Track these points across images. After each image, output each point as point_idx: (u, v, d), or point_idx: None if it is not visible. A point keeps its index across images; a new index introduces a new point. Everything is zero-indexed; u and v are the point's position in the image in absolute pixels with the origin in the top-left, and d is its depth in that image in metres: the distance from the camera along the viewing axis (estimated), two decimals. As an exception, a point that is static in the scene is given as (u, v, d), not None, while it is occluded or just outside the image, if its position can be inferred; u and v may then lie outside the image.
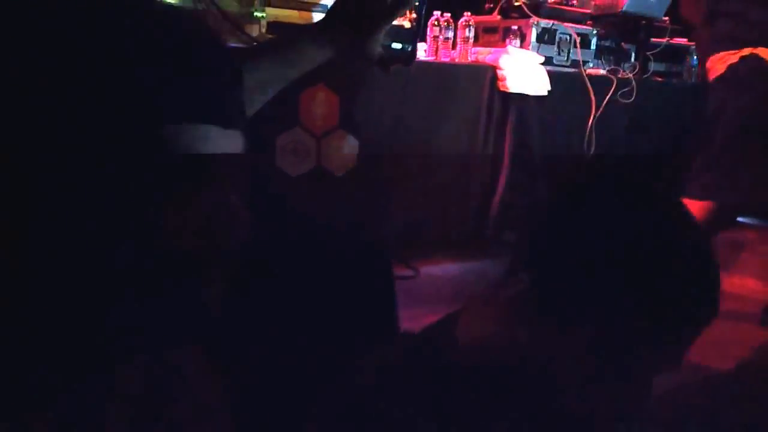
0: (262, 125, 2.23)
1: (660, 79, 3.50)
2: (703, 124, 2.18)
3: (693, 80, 3.60)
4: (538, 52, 3.10)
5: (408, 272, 2.75)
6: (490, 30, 3.30)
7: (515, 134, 3.00)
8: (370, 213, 2.58)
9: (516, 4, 3.22)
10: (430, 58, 2.91)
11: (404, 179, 2.77)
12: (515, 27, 3.17)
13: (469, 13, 2.95)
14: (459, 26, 2.93)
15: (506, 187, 3.00)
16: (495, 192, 3.01)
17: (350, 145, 2.63)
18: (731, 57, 1.94)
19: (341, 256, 1.11)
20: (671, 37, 3.61)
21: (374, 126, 2.67)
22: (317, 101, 2.53)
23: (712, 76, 2.07)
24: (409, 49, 0.94)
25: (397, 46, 0.95)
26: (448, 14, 2.92)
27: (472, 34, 2.96)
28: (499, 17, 3.29)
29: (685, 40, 3.70)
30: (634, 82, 3.25)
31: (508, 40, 3.18)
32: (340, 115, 2.57)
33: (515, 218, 3.03)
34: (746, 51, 1.91)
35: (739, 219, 3.57)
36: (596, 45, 3.32)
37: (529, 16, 3.16)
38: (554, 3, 3.34)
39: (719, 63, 1.98)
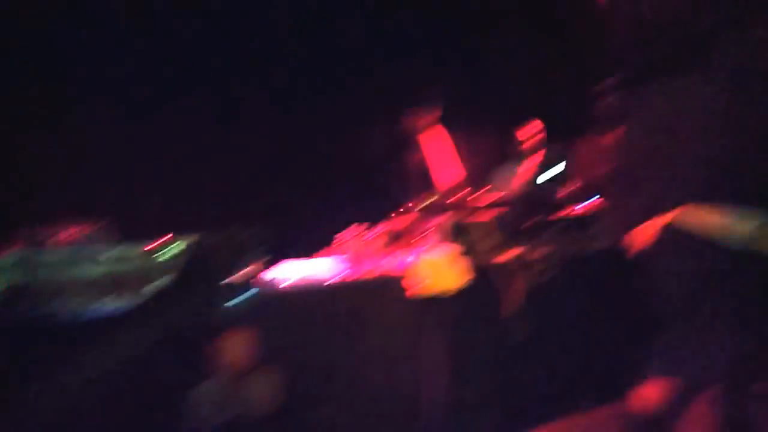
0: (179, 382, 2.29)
1: (576, 250, 3.62)
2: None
3: (602, 245, 3.72)
4: (454, 247, 3.25)
5: None
6: (410, 230, 3.48)
7: (443, 332, 3.07)
8: None
9: (429, 203, 3.43)
10: (347, 272, 3.06)
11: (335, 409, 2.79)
12: (432, 225, 3.34)
13: (385, 222, 3.14)
14: (377, 235, 3.11)
15: (434, 390, 3.00)
16: (424, 398, 3.01)
17: (272, 382, 2.69)
18: (654, 225, 1.98)
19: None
20: (575, 206, 3.80)
21: (296, 357, 2.73)
22: (231, 347, 2.63)
23: (642, 245, 2.06)
24: None
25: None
26: (366, 224, 3.11)
27: (387, 242, 3.13)
28: (417, 216, 3.48)
29: (588, 204, 3.88)
30: (550, 260, 3.38)
31: (426, 239, 3.33)
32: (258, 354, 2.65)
33: (455, 421, 3.00)
34: (662, 218, 1.97)
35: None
36: (510, 231, 3.48)
37: (444, 213, 3.35)
38: (467, 199, 3.56)
39: (644, 235, 2.02)
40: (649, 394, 2.12)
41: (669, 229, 1.85)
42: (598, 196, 3.85)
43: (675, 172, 1.85)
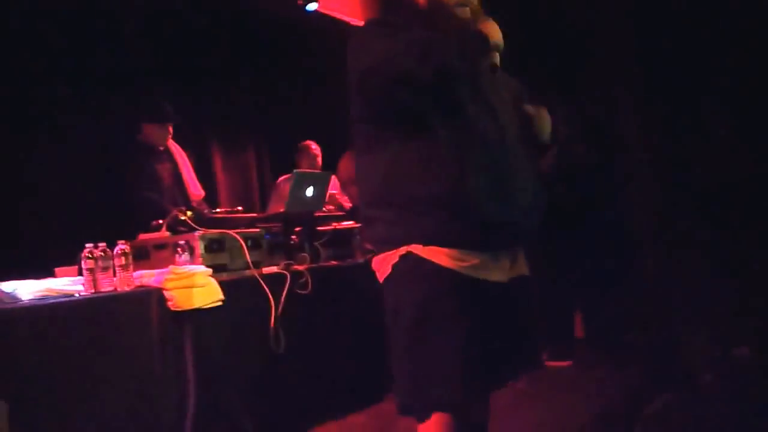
0: None
1: (334, 263, 3.74)
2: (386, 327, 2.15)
3: (363, 258, 3.92)
4: (208, 263, 3.13)
5: None
6: (160, 247, 3.28)
7: (197, 350, 2.93)
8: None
9: (182, 218, 3.27)
10: (89, 293, 2.77)
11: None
12: (183, 241, 3.19)
13: (123, 241, 2.90)
14: (115, 254, 2.85)
15: (196, 406, 2.87)
16: (186, 416, 2.86)
17: (2, 411, 2.34)
18: (391, 257, 1.96)
19: None
20: (338, 223, 3.93)
21: (32, 381, 2.41)
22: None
23: (381, 276, 2.02)
24: None
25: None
26: (103, 243, 2.83)
27: (130, 260, 2.90)
28: (168, 233, 3.30)
29: (352, 222, 4.05)
30: (307, 273, 3.43)
31: (177, 255, 3.17)
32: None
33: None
34: (403, 249, 1.93)
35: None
36: (267, 245, 3.46)
37: (196, 229, 3.21)
38: (220, 213, 3.45)
39: (383, 264, 2.00)
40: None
41: (398, 267, 1.97)
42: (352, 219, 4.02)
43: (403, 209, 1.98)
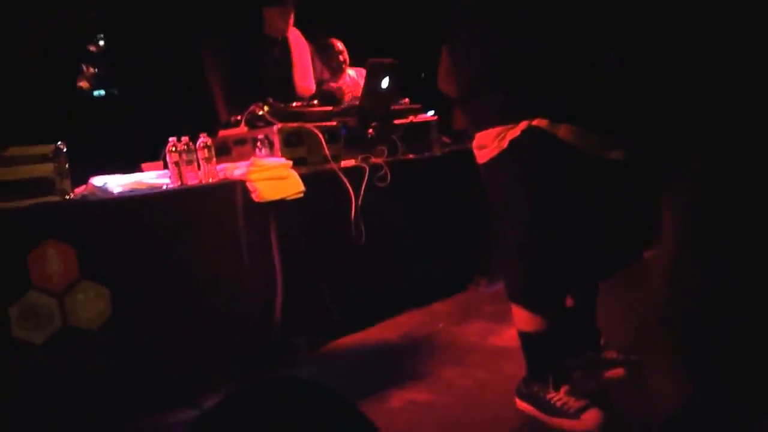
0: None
1: (411, 157, 3.70)
2: (487, 206, 2.04)
3: (441, 151, 3.86)
4: (287, 156, 3.14)
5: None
6: (240, 142, 3.32)
7: (281, 239, 3.00)
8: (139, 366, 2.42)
9: (259, 113, 3.27)
10: (176, 185, 2.84)
11: (173, 316, 2.63)
12: (262, 135, 3.20)
13: (204, 134, 2.93)
14: (198, 147, 2.89)
15: (284, 292, 2.96)
16: (275, 299, 2.96)
17: (100, 294, 2.47)
18: (509, 131, 1.85)
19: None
20: (414, 116, 3.86)
21: (129, 268, 2.53)
22: (49, 258, 2.35)
23: (490, 153, 1.91)
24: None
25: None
26: (186, 137, 2.88)
27: (213, 153, 2.94)
28: (246, 128, 3.32)
29: (428, 115, 3.97)
30: (385, 166, 3.41)
31: (257, 150, 3.20)
32: (81, 265, 2.41)
33: (300, 321, 3.00)
34: (524, 124, 1.82)
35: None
36: (344, 138, 3.44)
37: (273, 123, 3.22)
38: (296, 106, 3.43)
39: (495, 139, 1.88)
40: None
41: (516, 142, 1.86)
42: (433, 110, 3.93)
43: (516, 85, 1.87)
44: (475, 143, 2.02)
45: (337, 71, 4.73)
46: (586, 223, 1.88)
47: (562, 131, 1.82)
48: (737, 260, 1.71)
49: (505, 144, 1.88)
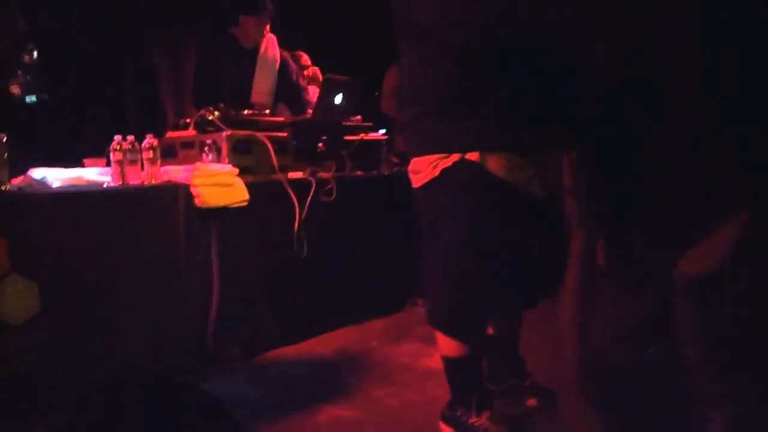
0: None
1: (359, 174, 3.73)
2: (419, 230, 2.09)
3: (389, 170, 3.90)
4: (235, 164, 3.13)
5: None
6: (187, 145, 3.30)
7: (222, 247, 2.98)
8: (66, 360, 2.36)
9: (209, 118, 3.25)
10: (117, 184, 2.80)
11: (104, 317, 2.58)
12: (210, 141, 3.19)
13: (151, 135, 2.91)
14: (143, 147, 2.86)
15: (220, 300, 2.94)
16: (210, 306, 2.94)
17: (28, 288, 2.41)
18: (442, 161, 1.89)
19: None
20: (366, 134, 3.90)
21: (62, 264, 2.48)
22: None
23: (423, 179, 1.96)
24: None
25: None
26: (131, 136, 2.85)
27: (158, 154, 2.91)
28: (194, 132, 3.30)
29: (379, 134, 4.02)
30: (332, 181, 3.43)
31: (204, 155, 3.18)
32: (12, 259, 2.35)
33: (236, 332, 2.98)
34: (456, 156, 1.87)
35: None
36: (293, 150, 3.45)
37: (223, 129, 3.21)
38: (248, 114, 3.43)
39: (428, 166, 1.93)
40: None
41: (448, 172, 1.90)
42: (385, 129, 3.98)
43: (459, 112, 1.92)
44: (410, 167, 2.07)
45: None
46: (511, 253, 1.94)
47: (492, 164, 1.88)
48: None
49: (437, 172, 1.94)
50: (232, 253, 3.00)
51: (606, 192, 1.82)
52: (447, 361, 2.07)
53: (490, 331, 2.28)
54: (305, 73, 4.80)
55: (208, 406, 0.93)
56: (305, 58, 4.86)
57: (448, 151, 1.92)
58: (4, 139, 2.51)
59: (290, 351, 3.07)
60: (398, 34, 2.02)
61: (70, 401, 2.16)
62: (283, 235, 3.21)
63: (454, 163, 1.92)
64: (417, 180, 2.03)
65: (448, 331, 2.02)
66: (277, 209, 3.22)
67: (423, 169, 1.99)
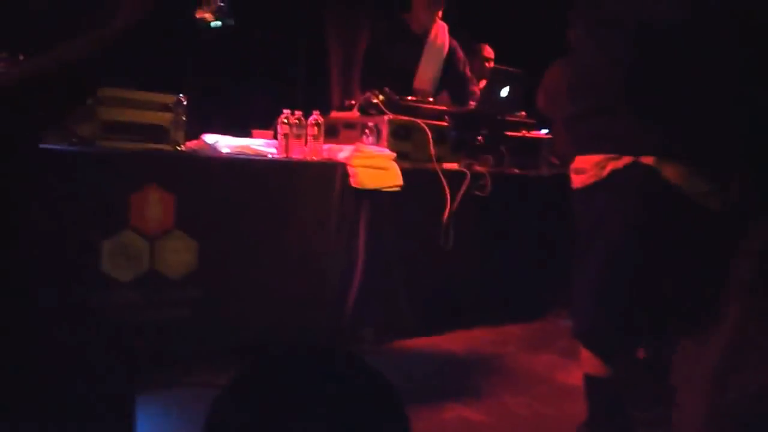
0: (88, 229, 2.14)
1: (516, 172, 3.61)
2: (573, 236, 1.93)
3: (548, 172, 3.74)
4: (393, 148, 3.14)
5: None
6: (349, 126, 3.35)
7: (369, 229, 3.00)
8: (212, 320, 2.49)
9: (374, 101, 3.28)
10: (281, 156, 2.90)
11: (253, 281, 2.69)
12: (372, 124, 3.22)
13: (318, 112, 2.97)
14: (308, 124, 2.94)
15: (362, 281, 2.97)
16: (351, 288, 2.97)
17: (188, 246, 2.56)
18: (612, 162, 1.75)
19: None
20: (528, 131, 3.76)
21: (222, 226, 2.61)
22: (150, 202, 2.45)
23: (587, 180, 1.82)
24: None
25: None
26: (299, 112, 2.93)
27: (321, 132, 2.98)
28: (358, 114, 3.35)
29: (541, 132, 3.87)
30: (488, 176, 3.34)
31: (365, 137, 3.22)
32: (177, 215, 2.51)
33: (372, 315, 3.00)
34: (628, 158, 1.72)
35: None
36: (452, 141, 3.40)
37: (385, 113, 3.22)
38: (411, 101, 3.42)
39: (595, 166, 1.78)
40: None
41: (618, 174, 1.74)
42: (548, 129, 3.83)
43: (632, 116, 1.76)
44: (573, 165, 1.92)
45: (478, 76, 4.65)
46: (672, 272, 1.75)
47: (669, 171, 1.70)
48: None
49: (604, 173, 1.78)
50: (380, 236, 3.01)
51: None
52: (588, 379, 1.93)
53: (641, 354, 2.11)
54: (487, 65, 4.70)
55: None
56: (488, 51, 4.78)
57: (621, 151, 1.76)
58: (185, 102, 2.67)
59: (422, 342, 3.04)
60: (577, 20, 1.89)
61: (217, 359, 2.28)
62: (431, 225, 3.18)
63: (626, 166, 1.75)
64: (579, 180, 1.87)
65: (593, 347, 1.88)
66: (428, 198, 3.19)
67: (589, 169, 1.83)
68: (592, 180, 1.82)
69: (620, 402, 1.95)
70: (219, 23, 1.02)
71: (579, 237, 1.91)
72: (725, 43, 1.67)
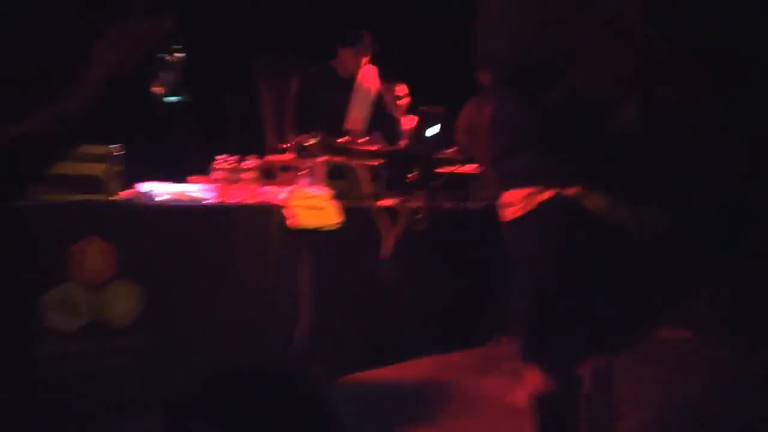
0: (26, 283, 2.09)
1: (449, 206, 3.74)
2: (514, 258, 1.97)
3: (479, 204, 3.89)
4: (330, 188, 3.20)
5: None
6: (285, 168, 3.40)
7: (312, 267, 3.04)
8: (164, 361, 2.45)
9: (308, 144, 3.35)
10: (218, 201, 2.92)
11: (197, 326, 2.66)
12: (307, 165, 3.28)
13: (253, 156, 3.02)
14: (244, 168, 2.98)
15: (307, 319, 2.98)
16: (296, 325, 2.98)
17: (132, 293, 2.53)
18: (537, 195, 1.82)
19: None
20: (457, 166, 3.91)
21: (163, 271, 2.59)
22: (90, 253, 2.42)
23: (515, 213, 1.87)
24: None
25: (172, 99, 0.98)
26: (235, 156, 2.97)
27: (258, 175, 3.02)
28: (293, 156, 3.40)
29: (470, 167, 4.02)
30: (423, 211, 3.45)
31: (301, 178, 3.27)
32: (118, 263, 2.48)
33: (321, 351, 3.01)
34: (552, 191, 1.79)
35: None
36: (386, 179, 3.50)
37: (320, 155, 3.29)
38: (345, 142, 3.52)
39: (524, 200, 1.85)
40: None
41: (544, 206, 1.86)
42: (475, 162, 3.99)
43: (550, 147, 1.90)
44: (502, 200, 1.99)
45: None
46: (603, 292, 1.86)
47: (593, 201, 1.82)
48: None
49: (530, 206, 1.87)
50: (322, 274, 3.04)
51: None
52: (536, 399, 2.01)
53: (582, 370, 2.20)
54: (399, 103, 4.82)
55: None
56: (402, 89, 4.90)
57: (545, 183, 1.86)
58: (120, 153, 2.67)
59: (374, 374, 3.06)
60: (483, 68, 2.01)
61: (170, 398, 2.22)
62: (372, 261, 3.24)
63: (551, 198, 1.85)
64: (509, 213, 1.96)
65: (539, 364, 1.96)
66: (367, 235, 3.26)
67: (517, 202, 1.93)
68: (520, 213, 1.90)
69: (567, 419, 2.02)
70: (174, 98, 1.06)
71: (514, 265, 1.99)
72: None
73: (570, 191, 1.82)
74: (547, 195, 1.84)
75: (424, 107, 3.61)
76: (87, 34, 0.97)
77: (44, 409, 2.22)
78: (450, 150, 3.87)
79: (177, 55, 1.08)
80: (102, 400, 2.30)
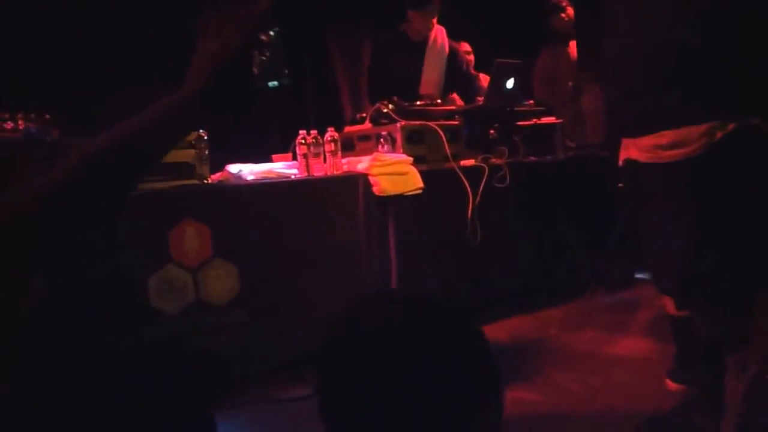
0: (132, 267, 2.23)
1: (532, 159, 3.68)
2: (663, 199, 1.87)
3: (565, 155, 3.80)
4: (409, 153, 3.22)
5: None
6: (364, 138, 3.43)
7: (398, 233, 3.08)
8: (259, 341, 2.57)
9: (384, 111, 3.36)
10: (303, 176, 2.99)
11: (293, 297, 2.77)
12: (385, 132, 3.30)
13: (332, 128, 3.07)
14: (325, 141, 3.03)
15: (397, 283, 3.04)
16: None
17: (229, 272, 2.64)
18: (720, 130, 1.71)
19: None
20: (538, 118, 3.83)
21: (256, 249, 2.69)
22: (187, 235, 2.55)
23: (691, 152, 1.75)
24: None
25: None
26: (314, 131, 3.02)
27: (338, 147, 3.07)
28: (370, 125, 3.43)
29: (552, 118, 3.92)
30: (505, 167, 3.40)
31: (380, 146, 3.30)
32: (214, 244, 2.60)
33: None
34: (732, 125, 1.70)
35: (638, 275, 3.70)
36: (465, 138, 3.47)
37: (397, 121, 3.30)
38: (420, 105, 3.50)
39: (703, 137, 1.72)
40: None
41: (727, 140, 1.73)
42: (555, 113, 3.89)
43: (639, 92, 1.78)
44: (660, 141, 1.85)
45: None
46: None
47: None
48: None
49: (713, 141, 1.75)
50: (409, 239, 3.08)
51: None
52: (674, 320, 2.00)
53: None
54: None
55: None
56: (465, 47, 4.82)
57: (724, 117, 1.75)
58: (205, 137, 2.77)
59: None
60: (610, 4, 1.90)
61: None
62: (457, 222, 3.25)
63: (735, 129, 1.74)
64: (676, 155, 1.82)
65: (684, 303, 1.92)
66: (450, 196, 3.26)
67: (692, 141, 1.79)
68: (698, 151, 1.76)
69: (707, 343, 1.95)
70: (276, 83, 1.07)
71: (658, 205, 1.87)
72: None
73: (753, 121, 1.71)
74: (731, 127, 1.72)
75: (500, 60, 3.53)
76: (187, 28, 1.00)
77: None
78: (530, 101, 3.78)
79: (272, 34, 1.09)
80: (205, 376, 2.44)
